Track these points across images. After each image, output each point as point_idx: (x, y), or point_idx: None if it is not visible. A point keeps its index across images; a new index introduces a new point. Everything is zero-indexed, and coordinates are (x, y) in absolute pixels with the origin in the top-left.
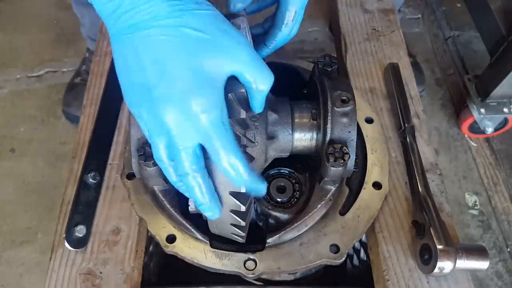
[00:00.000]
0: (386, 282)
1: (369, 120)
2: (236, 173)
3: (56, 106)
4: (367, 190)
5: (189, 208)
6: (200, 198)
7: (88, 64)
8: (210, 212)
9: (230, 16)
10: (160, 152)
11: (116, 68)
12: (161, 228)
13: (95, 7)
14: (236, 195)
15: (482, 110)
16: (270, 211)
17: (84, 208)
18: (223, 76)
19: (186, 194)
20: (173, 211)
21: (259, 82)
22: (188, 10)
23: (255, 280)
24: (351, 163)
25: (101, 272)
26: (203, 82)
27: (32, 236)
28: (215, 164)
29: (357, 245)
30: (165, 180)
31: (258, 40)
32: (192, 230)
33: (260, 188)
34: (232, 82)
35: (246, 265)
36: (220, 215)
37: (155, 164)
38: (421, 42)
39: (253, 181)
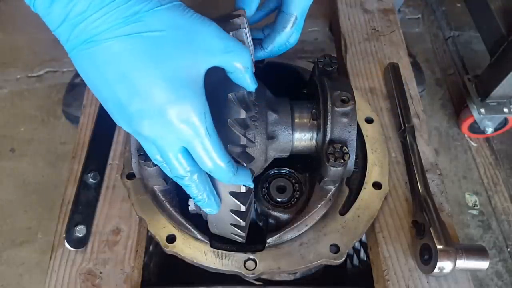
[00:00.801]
0: (386, 282)
1: (369, 120)
2: (222, 176)
3: (56, 106)
4: (367, 190)
5: (189, 208)
6: (198, 195)
7: None
8: (209, 208)
9: (230, 17)
10: (153, 154)
11: (85, 82)
12: (161, 228)
13: (43, 19)
14: (236, 195)
15: (482, 110)
16: (270, 211)
17: (84, 208)
18: (200, 74)
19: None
20: (173, 211)
21: (239, 63)
22: (147, 10)
23: (255, 280)
24: (351, 163)
25: (101, 272)
26: (180, 88)
27: (32, 236)
28: None
29: (357, 245)
30: (165, 180)
31: (257, 44)
32: (192, 230)
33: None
34: (229, 81)
35: (246, 265)
36: (219, 210)
37: (155, 164)
38: (421, 42)
39: (240, 181)
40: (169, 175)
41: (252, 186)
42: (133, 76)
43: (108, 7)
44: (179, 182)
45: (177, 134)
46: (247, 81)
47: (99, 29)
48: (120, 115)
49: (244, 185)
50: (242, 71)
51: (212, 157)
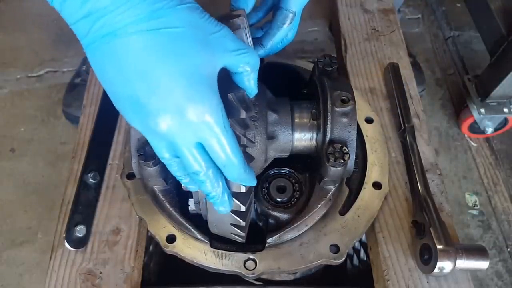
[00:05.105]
0: (386, 282)
1: (369, 120)
2: (234, 171)
3: (56, 106)
4: (367, 190)
5: (189, 208)
6: (212, 192)
7: (88, 64)
8: (222, 206)
9: (230, 17)
10: (162, 152)
11: (98, 78)
12: (161, 228)
13: (59, 13)
14: (236, 195)
15: (482, 110)
16: (270, 211)
17: (84, 208)
18: (215, 72)
19: (193, 189)
20: (173, 211)
21: (248, 65)
22: (169, 7)
23: (255, 280)
24: (351, 163)
25: (101, 272)
26: (198, 85)
27: (32, 236)
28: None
29: (357, 245)
30: (165, 180)
31: (256, 42)
32: (192, 230)
33: (251, 184)
34: (231, 81)
35: (246, 265)
36: (231, 208)
37: (155, 164)
38: (421, 42)
39: (248, 179)
40: (176, 174)
41: (254, 185)
42: (154, 71)
43: (132, 2)
44: (194, 179)
45: (194, 131)
46: (251, 84)
47: (122, 23)
48: (135, 113)
49: (246, 185)
50: (248, 73)
51: (227, 152)
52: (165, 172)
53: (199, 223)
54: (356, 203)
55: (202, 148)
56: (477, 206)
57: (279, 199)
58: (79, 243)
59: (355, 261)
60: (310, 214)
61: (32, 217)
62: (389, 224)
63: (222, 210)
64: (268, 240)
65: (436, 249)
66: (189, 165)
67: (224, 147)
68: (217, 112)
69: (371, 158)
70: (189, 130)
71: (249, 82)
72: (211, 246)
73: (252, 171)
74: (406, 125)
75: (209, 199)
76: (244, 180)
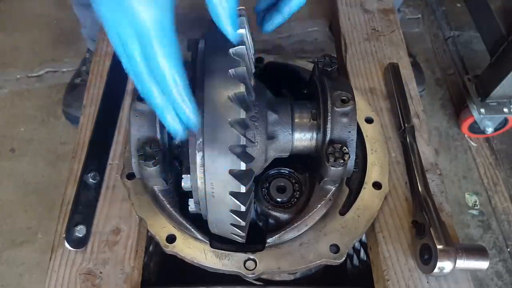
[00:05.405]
0: (386, 282)
1: (369, 120)
2: (168, 83)
3: (56, 106)
4: (367, 190)
5: (189, 208)
6: (156, 97)
7: (88, 65)
8: (170, 119)
9: None
10: (113, 40)
11: None
12: (161, 228)
13: None
14: (236, 195)
15: (482, 110)
16: (270, 211)
17: (84, 208)
18: None
19: (156, 110)
20: (173, 211)
21: None
22: None
23: (255, 280)
24: (351, 163)
25: (101, 272)
26: None
27: (32, 236)
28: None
29: (357, 245)
30: (165, 180)
31: (269, 10)
32: (192, 230)
33: (190, 117)
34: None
35: (246, 265)
36: (185, 135)
37: (155, 164)
38: (421, 42)
39: (187, 105)
40: (128, 71)
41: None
42: None
43: None
44: (139, 80)
45: (133, 25)
46: (223, 20)
47: None
48: None
49: (187, 120)
50: (219, 3)
51: (162, 55)
52: (165, 172)
53: (199, 223)
54: (356, 203)
55: None
56: (477, 206)
57: (279, 199)
58: (79, 243)
59: (355, 261)
60: (310, 214)
61: (32, 217)
62: (389, 224)
63: (170, 125)
64: (268, 240)
65: (436, 249)
66: (130, 57)
67: (160, 51)
68: (157, 8)
69: (371, 158)
70: (128, 22)
71: (221, 18)
72: (211, 246)
73: (194, 104)
74: (406, 125)
75: (157, 114)
76: (182, 105)
